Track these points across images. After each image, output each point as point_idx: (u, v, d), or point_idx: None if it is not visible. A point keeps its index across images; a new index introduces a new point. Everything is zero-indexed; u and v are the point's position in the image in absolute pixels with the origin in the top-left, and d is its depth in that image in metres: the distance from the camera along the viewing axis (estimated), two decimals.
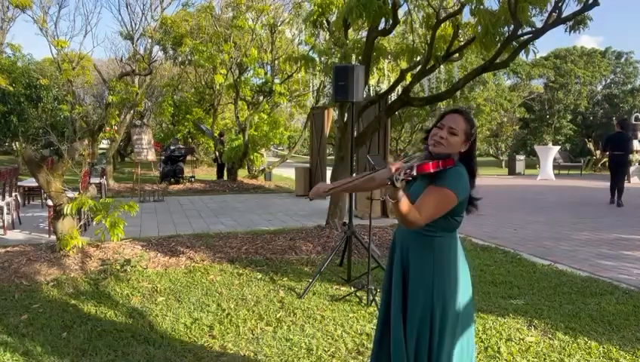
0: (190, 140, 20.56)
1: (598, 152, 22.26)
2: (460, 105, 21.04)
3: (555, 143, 22.03)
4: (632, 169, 10.96)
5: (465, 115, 1.92)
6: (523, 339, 3.23)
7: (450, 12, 5.61)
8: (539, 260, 5.33)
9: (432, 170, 1.74)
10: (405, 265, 1.96)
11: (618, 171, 10.19)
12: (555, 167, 18.16)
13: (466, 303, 1.93)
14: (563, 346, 3.15)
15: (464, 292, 1.93)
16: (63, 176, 5.30)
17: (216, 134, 16.11)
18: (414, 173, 1.64)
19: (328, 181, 7.64)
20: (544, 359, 2.98)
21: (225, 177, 15.05)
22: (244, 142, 13.35)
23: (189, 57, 15.69)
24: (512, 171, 19.48)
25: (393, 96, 7.48)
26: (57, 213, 5.05)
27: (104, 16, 61.77)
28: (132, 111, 13.88)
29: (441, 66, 6.69)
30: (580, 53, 28.46)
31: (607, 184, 10.58)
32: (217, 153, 15.50)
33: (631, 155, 10.20)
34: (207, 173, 17.75)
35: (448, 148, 1.87)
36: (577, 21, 4.93)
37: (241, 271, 4.71)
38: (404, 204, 1.69)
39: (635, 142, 13.93)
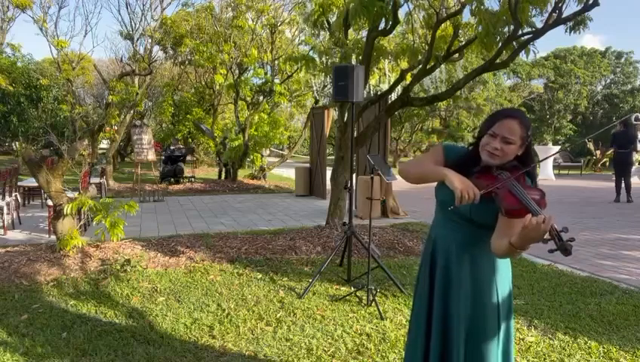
0: (190, 140, 20.55)
1: (598, 152, 22.29)
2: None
3: (555, 143, 22.03)
4: (632, 169, 11.01)
5: (520, 119, 1.73)
6: (523, 339, 3.23)
7: (451, 12, 5.61)
8: (539, 260, 5.33)
9: (538, 197, 1.64)
10: (465, 273, 1.87)
11: (622, 168, 10.33)
12: (555, 167, 18.16)
13: (511, 296, 1.96)
14: (563, 346, 3.15)
15: (510, 287, 1.94)
16: (63, 176, 5.30)
17: (218, 136, 16.03)
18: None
19: (328, 181, 7.63)
20: (544, 359, 2.98)
21: (222, 176, 15.04)
22: (244, 142, 13.35)
23: (189, 57, 15.67)
24: None
25: (393, 96, 7.48)
26: (57, 213, 5.05)
27: (104, 16, 61.78)
28: (132, 112, 13.86)
29: (442, 66, 6.68)
30: (580, 53, 28.45)
31: (608, 184, 10.61)
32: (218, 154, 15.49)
33: (635, 154, 10.30)
34: (207, 173, 17.75)
35: (504, 159, 1.74)
36: (577, 21, 4.93)
37: (241, 271, 4.71)
38: None
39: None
